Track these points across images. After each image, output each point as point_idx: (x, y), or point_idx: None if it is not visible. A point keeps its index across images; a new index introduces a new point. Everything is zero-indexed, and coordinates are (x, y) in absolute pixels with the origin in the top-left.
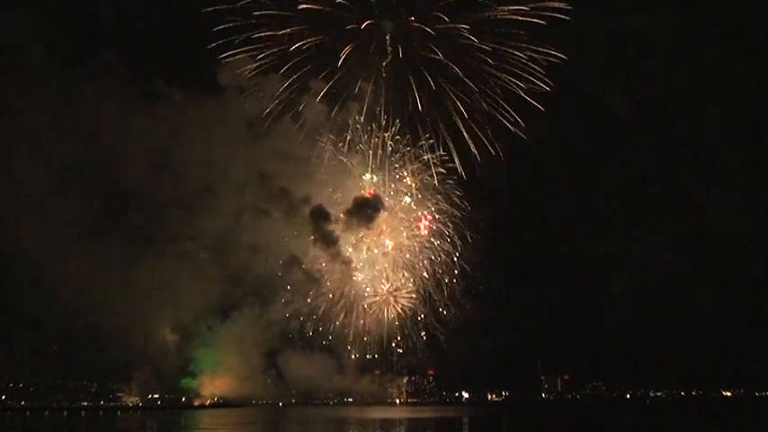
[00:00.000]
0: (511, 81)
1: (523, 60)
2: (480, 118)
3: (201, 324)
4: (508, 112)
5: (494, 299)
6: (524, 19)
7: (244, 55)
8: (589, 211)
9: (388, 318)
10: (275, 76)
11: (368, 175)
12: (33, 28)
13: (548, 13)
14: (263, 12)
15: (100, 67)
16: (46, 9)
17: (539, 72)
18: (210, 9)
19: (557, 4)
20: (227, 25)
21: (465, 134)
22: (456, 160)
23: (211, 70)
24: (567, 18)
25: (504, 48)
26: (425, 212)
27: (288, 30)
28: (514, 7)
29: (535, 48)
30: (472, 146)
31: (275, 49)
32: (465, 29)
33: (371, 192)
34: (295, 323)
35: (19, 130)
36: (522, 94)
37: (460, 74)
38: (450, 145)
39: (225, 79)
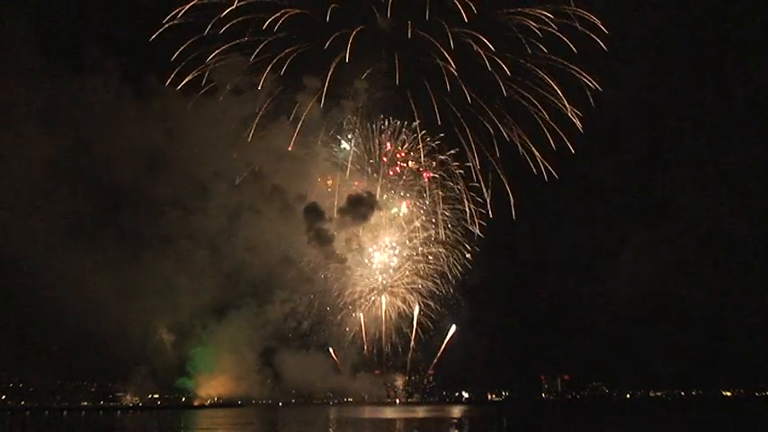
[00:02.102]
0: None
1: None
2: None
3: (198, 324)
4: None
5: (493, 299)
6: (542, 29)
7: (239, 55)
8: (588, 208)
9: (385, 317)
10: (269, 74)
11: (343, 144)
12: (24, 25)
13: (575, 24)
14: (234, 21)
15: (91, 64)
16: (36, 6)
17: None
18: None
19: (586, 15)
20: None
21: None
22: (467, 209)
23: (205, 68)
24: (605, 48)
25: (522, 60)
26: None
27: (269, 38)
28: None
29: (560, 62)
30: (485, 192)
31: (268, 54)
32: (470, 35)
33: (359, 184)
34: (291, 322)
35: (10, 129)
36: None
37: (467, 95)
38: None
39: (219, 77)
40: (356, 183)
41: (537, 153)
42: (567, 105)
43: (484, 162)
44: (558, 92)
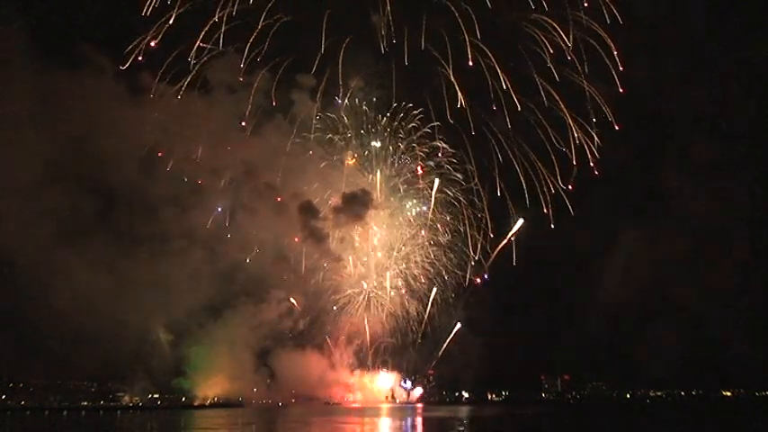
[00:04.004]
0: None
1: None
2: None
3: (194, 323)
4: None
5: (493, 299)
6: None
7: (234, 55)
8: (588, 207)
9: (383, 316)
10: (264, 73)
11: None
12: (17, 21)
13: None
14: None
15: (86, 62)
16: (30, 2)
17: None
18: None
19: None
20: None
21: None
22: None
23: (200, 67)
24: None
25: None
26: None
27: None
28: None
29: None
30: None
31: (262, 56)
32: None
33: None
34: (288, 322)
35: (3, 128)
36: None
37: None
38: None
39: (214, 76)
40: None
41: (547, 188)
42: (579, 138)
43: (485, 176)
44: (570, 121)
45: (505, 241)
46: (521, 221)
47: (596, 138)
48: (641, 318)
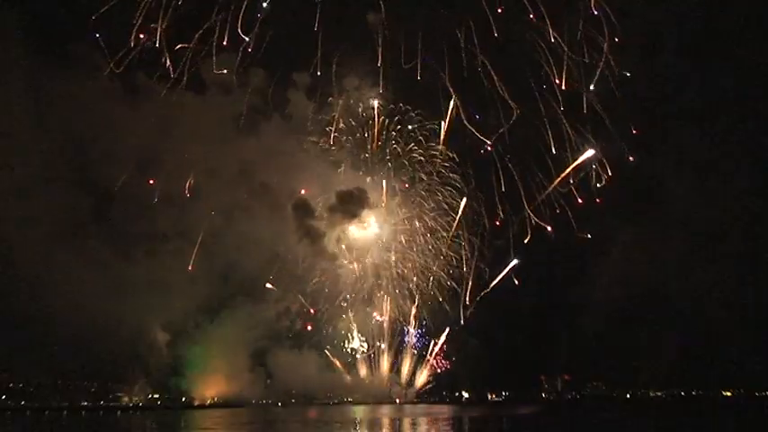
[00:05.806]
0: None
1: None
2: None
3: (190, 323)
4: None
5: (493, 299)
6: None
7: (230, 54)
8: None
9: (381, 315)
10: (261, 73)
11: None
12: (11, 19)
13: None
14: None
15: (82, 62)
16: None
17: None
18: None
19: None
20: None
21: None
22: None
23: (196, 66)
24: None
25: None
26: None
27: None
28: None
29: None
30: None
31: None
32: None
33: None
34: (285, 321)
35: None
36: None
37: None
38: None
39: (209, 75)
40: None
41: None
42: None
43: (484, 179)
44: (568, 126)
45: (571, 167)
46: (591, 152)
47: (597, 147)
48: (641, 317)
